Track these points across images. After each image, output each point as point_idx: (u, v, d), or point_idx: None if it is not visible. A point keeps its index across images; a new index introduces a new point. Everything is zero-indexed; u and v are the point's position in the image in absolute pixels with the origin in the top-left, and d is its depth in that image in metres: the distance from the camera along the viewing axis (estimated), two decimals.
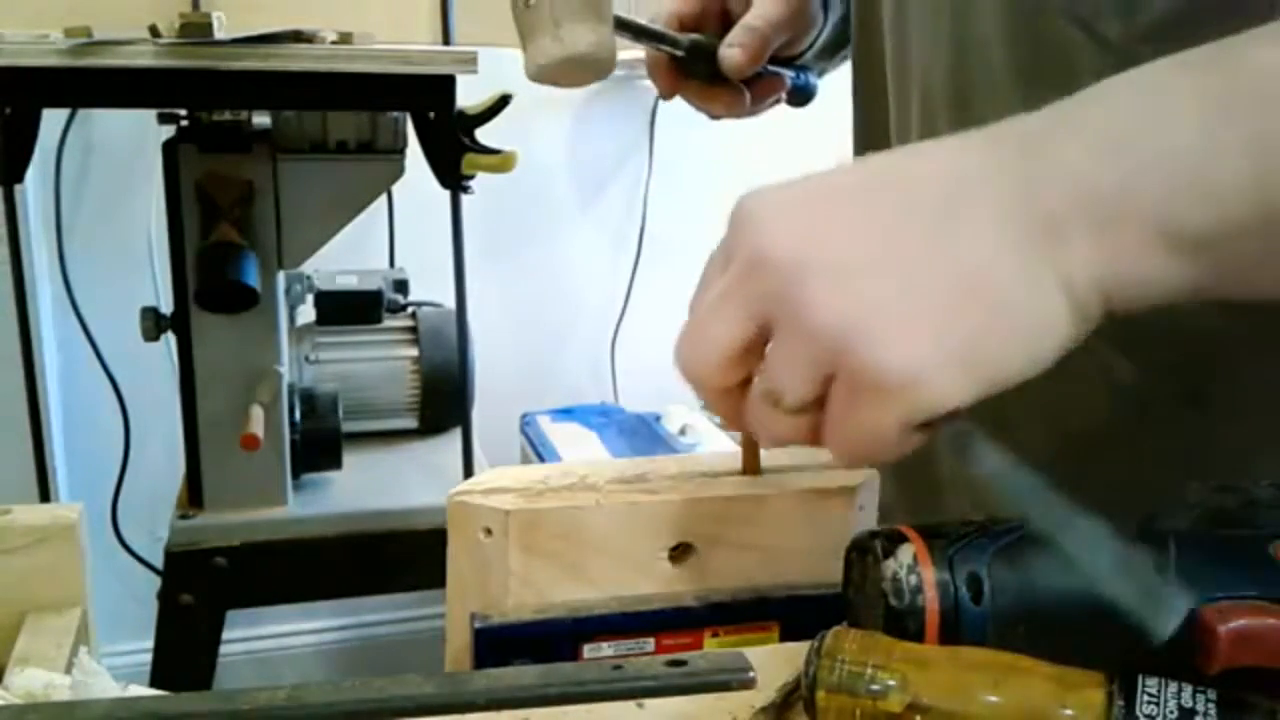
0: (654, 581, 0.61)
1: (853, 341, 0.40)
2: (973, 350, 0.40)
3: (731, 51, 0.72)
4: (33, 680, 0.51)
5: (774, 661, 0.51)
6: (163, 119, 1.42)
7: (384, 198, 1.79)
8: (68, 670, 0.54)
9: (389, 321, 1.65)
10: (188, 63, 1.18)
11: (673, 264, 2.15)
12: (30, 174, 1.26)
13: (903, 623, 0.46)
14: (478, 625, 0.59)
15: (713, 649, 0.61)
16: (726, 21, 0.74)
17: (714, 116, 0.78)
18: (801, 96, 0.83)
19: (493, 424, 1.76)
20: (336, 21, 1.29)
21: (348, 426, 1.49)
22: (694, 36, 0.73)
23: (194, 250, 1.31)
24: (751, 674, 0.49)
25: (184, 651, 1.42)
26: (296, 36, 1.21)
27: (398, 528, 1.43)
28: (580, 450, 1.80)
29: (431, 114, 1.29)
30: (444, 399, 1.62)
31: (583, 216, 2.15)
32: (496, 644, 0.59)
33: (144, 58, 1.17)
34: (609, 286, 2.15)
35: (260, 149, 1.34)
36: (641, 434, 1.90)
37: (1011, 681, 0.42)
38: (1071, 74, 0.47)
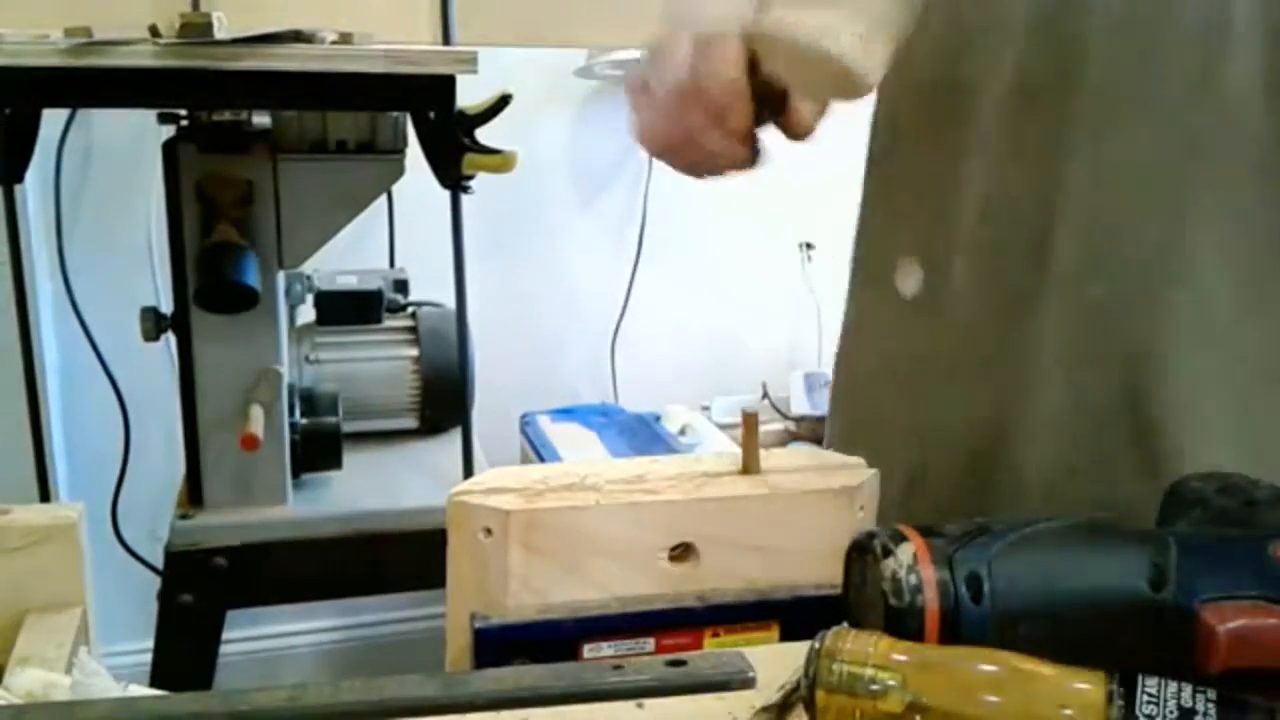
0: (654, 581, 0.61)
1: None
2: None
3: None
4: (33, 680, 0.51)
5: (774, 661, 0.51)
6: (163, 119, 1.42)
7: (384, 198, 1.79)
8: (68, 670, 0.54)
9: (389, 321, 1.65)
10: (188, 63, 1.17)
11: (673, 264, 2.15)
12: (30, 174, 1.26)
13: (903, 623, 0.46)
14: (478, 625, 0.59)
15: (713, 649, 0.61)
16: None
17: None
18: None
19: (493, 424, 1.76)
20: (336, 21, 1.29)
21: (348, 426, 1.49)
22: None
23: (194, 250, 1.30)
24: (751, 674, 0.49)
25: (184, 651, 1.41)
26: (296, 36, 1.21)
27: (398, 528, 1.43)
28: (580, 450, 1.80)
29: (431, 114, 1.28)
30: (444, 399, 1.61)
31: (583, 216, 2.15)
32: (496, 644, 0.59)
33: (144, 58, 1.17)
34: (609, 286, 2.15)
35: (260, 149, 1.34)
36: (641, 434, 1.90)
37: (1011, 681, 0.42)
38: None
